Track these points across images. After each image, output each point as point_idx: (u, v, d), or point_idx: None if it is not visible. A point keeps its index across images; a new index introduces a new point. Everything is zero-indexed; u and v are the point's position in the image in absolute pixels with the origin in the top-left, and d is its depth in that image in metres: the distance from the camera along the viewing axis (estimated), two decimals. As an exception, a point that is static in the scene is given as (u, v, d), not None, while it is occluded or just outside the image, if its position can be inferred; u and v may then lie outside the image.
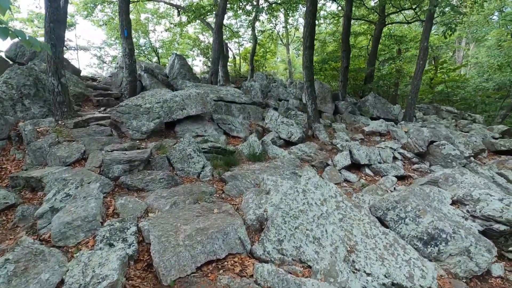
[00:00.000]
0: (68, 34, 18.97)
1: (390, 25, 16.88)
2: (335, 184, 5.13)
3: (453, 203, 4.14)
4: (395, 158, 5.99)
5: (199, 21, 14.67)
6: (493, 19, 19.80)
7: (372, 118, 9.84)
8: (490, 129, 10.86)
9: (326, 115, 9.73)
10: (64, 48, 20.11)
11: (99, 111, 7.33)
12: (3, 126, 5.03)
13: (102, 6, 15.04)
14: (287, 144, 6.57)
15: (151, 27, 19.95)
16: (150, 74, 10.13)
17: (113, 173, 4.05)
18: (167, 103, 6.38)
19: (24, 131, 4.94)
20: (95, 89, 9.93)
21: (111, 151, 4.60)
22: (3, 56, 9.75)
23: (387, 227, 3.64)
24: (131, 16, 19.51)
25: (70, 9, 17.12)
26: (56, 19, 5.64)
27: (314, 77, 9.03)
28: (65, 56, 19.84)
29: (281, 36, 23.16)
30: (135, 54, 20.73)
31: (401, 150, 6.17)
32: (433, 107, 14.45)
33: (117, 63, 12.71)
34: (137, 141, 5.61)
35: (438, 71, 16.66)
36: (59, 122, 5.74)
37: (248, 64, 17.88)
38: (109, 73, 11.95)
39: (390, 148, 6.17)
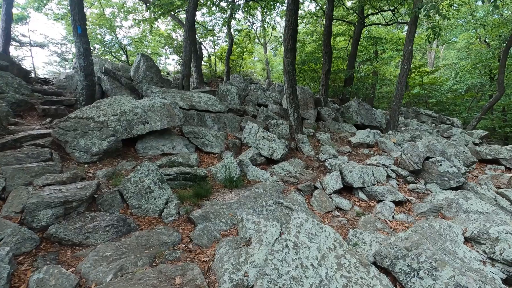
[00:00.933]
0: (21, 29, 16.88)
1: (368, 27, 16.64)
2: (326, 212, 4.40)
3: (466, 240, 3.53)
4: (388, 177, 5.37)
5: (170, 17, 13.49)
6: (461, 22, 20.29)
7: (356, 125, 9.31)
8: (470, 134, 10.75)
9: (308, 122, 9.05)
10: (15, 43, 17.83)
11: (43, 123, 6.09)
12: None
13: (58, -2, 13.35)
14: (269, 162, 5.75)
15: (118, 23, 18.30)
16: (112, 77, 8.90)
17: (40, 222, 3.00)
18: (125, 116, 5.32)
19: None
20: (45, 94, 8.53)
21: (43, 186, 3.52)
22: None
23: (395, 279, 2.93)
24: (94, 10, 17.84)
25: (20, 0, 15.19)
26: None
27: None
28: (17, 53, 17.72)
29: (258, 35, 22.34)
30: (101, 51, 18.99)
31: (394, 167, 5.57)
32: (413, 111, 14.33)
33: (74, 63, 11.23)
34: (86, 166, 4.53)
35: (415, 74, 16.67)
36: (-19, 143, 4.51)
37: (224, 64, 16.88)
38: (64, 75, 10.48)
39: (383, 165, 5.55)
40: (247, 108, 9.27)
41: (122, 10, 17.90)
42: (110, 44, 19.05)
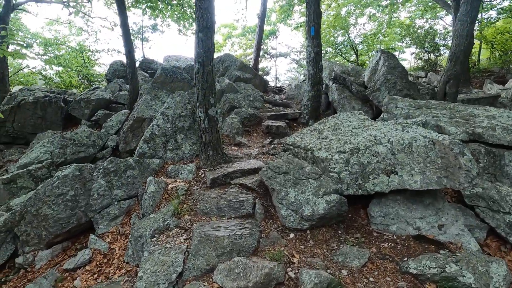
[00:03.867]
0: (271, 43, 19.69)
1: None
2: None
3: None
4: None
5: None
6: None
7: None
8: None
9: None
10: (267, 56, 20.96)
11: (262, 146, 5.34)
12: (135, 178, 3.84)
13: (299, 7, 13.76)
14: None
15: (352, 21, 16.99)
16: (341, 84, 7.24)
17: None
18: (357, 156, 3.21)
19: (145, 192, 3.49)
20: (275, 105, 8.36)
21: (220, 292, 2.12)
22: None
23: None
24: (330, 12, 17.48)
25: (273, 17, 17.38)
26: (205, 26, 3.86)
27: None
28: (266, 64, 20.86)
29: None
30: (331, 54, 18.59)
31: None
32: None
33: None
34: (290, 236, 2.89)
35: None
36: (199, 172, 4.07)
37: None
38: (295, 83, 10.24)
39: None
40: None
41: (358, 5, 16.31)
42: (342, 46, 18.21)
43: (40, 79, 13.04)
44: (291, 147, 4.34)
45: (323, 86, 7.38)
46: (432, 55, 16.44)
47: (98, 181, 3.53)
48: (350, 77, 7.45)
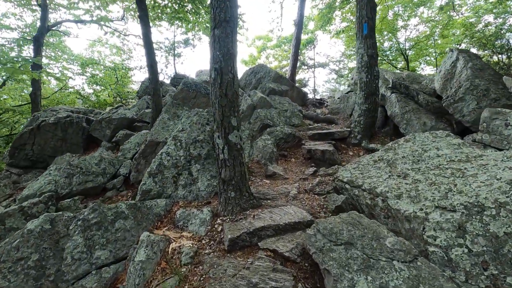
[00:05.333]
0: (309, 53, 18.44)
1: None
2: None
3: None
4: None
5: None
6: None
7: None
8: None
9: None
10: (304, 67, 19.73)
11: (303, 177, 4.02)
12: (127, 232, 2.77)
13: (341, 11, 12.42)
14: None
15: (400, 23, 15.18)
16: (403, 94, 5.71)
17: None
18: (482, 220, 1.79)
19: (132, 260, 2.39)
20: (316, 121, 7.03)
21: None
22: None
23: None
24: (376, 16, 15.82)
25: (310, 26, 16.21)
26: (224, 19, 2.76)
27: None
28: (303, 76, 19.53)
29: None
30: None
31: None
32: None
33: (351, 78, 9.28)
34: None
35: None
36: (216, 222, 2.89)
37: None
38: (339, 94, 8.80)
39: None
40: None
41: (408, 6, 14.50)
42: (389, 52, 16.33)
43: (78, 98, 13.26)
44: (347, 185, 3.01)
45: (379, 96, 5.91)
46: (504, 56, 13.87)
47: (74, 239, 2.53)
48: (414, 85, 5.88)
